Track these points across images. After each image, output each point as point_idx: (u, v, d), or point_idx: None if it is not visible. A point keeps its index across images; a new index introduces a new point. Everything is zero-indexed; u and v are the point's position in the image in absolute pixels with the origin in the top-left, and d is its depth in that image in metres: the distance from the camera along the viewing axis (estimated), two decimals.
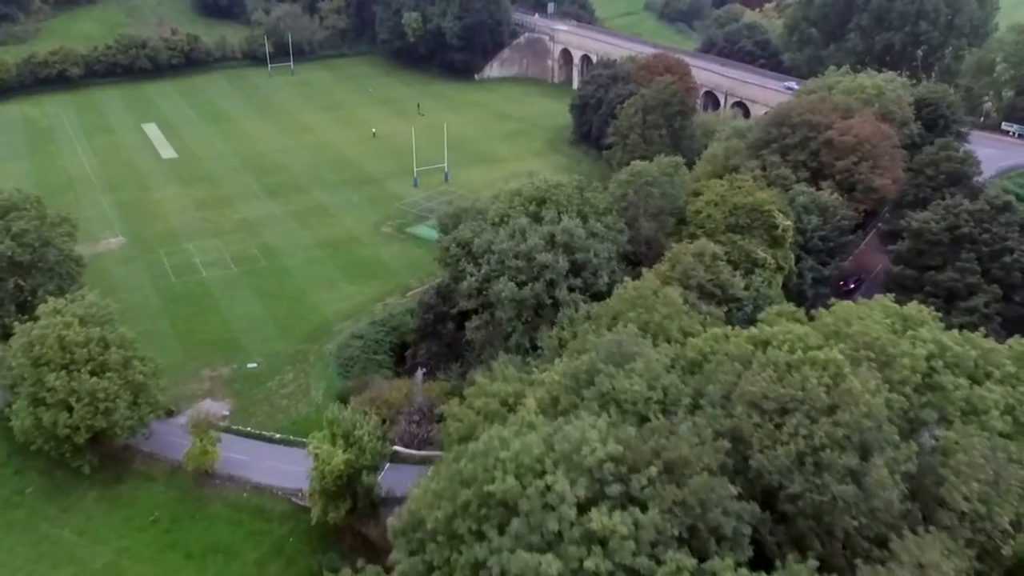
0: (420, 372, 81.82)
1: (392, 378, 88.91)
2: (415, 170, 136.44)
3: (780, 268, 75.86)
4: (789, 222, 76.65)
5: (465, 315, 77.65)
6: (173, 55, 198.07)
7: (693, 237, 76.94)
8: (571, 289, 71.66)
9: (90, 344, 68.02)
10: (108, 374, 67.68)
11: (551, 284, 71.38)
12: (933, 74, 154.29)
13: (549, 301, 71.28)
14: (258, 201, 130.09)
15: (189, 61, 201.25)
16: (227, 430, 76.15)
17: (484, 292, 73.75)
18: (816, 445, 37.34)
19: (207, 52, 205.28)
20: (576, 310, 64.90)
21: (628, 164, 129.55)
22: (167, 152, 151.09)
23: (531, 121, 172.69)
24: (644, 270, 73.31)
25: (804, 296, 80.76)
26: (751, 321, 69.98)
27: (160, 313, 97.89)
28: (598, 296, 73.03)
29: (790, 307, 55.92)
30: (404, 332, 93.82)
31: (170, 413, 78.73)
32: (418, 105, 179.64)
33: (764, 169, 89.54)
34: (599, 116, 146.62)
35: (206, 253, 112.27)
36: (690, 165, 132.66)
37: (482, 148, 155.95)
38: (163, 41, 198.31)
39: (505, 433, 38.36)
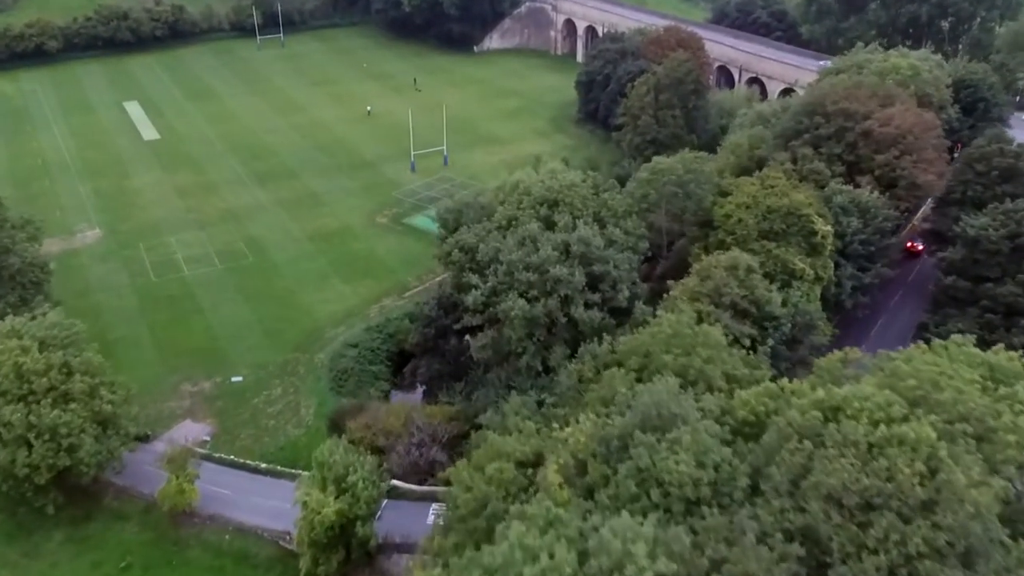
0: (420, 390, 74.72)
1: (390, 389, 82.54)
2: (412, 154, 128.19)
3: (819, 279, 68.44)
4: (829, 227, 69.08)
5: (469, 328, 70.25)
6: (157, 26, 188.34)
7: (722, 244, 69.40)
8: (588, 305, 64.24)
9: (51, 372, 60.65)
10: (72, 405, 60.40)
11: (566, 300, 63.97)
12: (961, 48, 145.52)
13: (564, 319, 63.89)
14: (245, 188, 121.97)
15: (173, 33, 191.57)
16: (207, 458, 69.28)
17: (491, 307, 66.30)
18: (911, 553, 30.33)
19: (192, 23, 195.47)
20: (600, 340, 57.43)
21: (639, 147, 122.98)
22: (149, 133, 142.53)
23: (534, 97, 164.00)
24: (671, 284, 66.03)
25: (842, 306, 73.52)
26: (790, 341, 63.05)
27: (138, 317, 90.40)
28: (617, 311, 65.77)
29: (856, 352, 48.39)
30: (402, 339, 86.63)
31: (145, 438, 71.73)
32: (414, 80, 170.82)
33: (795, 162, 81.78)
34: (607, 94, 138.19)
35: (189, 248, 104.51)
36: (705, 147, 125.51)
37: (483, 128, 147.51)
38: (146, 12, 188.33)
39: (529, 538, 31.23)
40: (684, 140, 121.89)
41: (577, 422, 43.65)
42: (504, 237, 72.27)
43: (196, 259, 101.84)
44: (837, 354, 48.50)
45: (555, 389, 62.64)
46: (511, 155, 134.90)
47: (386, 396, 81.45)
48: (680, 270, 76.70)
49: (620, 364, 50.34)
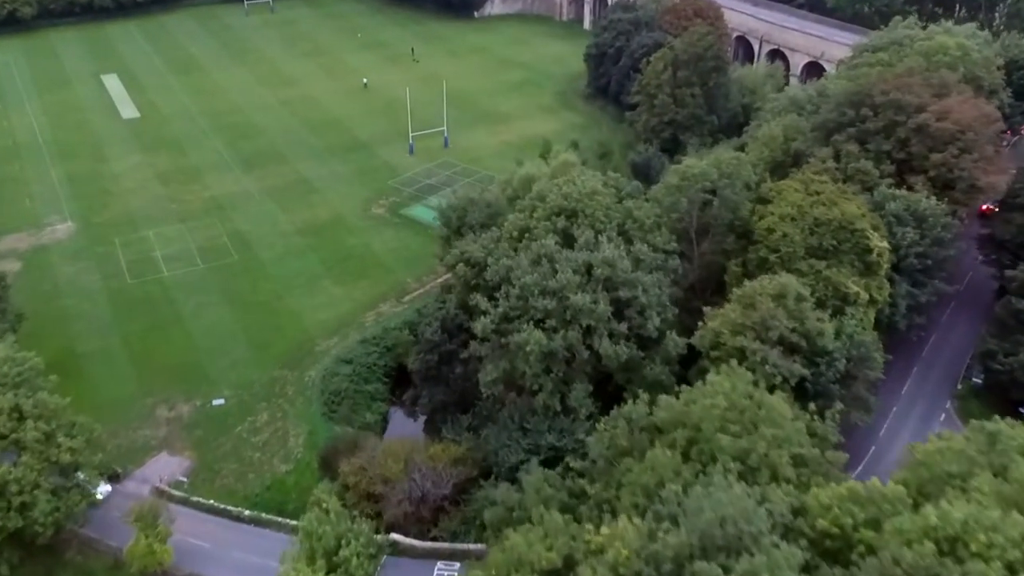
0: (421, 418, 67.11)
1: (388, 411, 74.94)
2: (411, 135, 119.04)
3: (873, 301, 60.36)
4: (885, 244, 60.81)
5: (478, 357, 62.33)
6: None
7: (764, 263, 61.17)
8: (613, 336, 56.20)
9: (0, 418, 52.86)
10: (23, 457, 52.69)
11: (588, 331, 55.95)
12: (998, 16, 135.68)
13: (586, 353, 55.93)
14: (230, 173, 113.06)
15: None
16: (185, 501, 61.79)
17: (502, 336, 58.31)
18: None
19: None
20: (635, 398, 49.38)
21: (655, 128, 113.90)
22: (128, 110, 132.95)
23: (539, 69, 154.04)
24: (708, 312, 57.96)
25: (895, 328, 65.55)
26: (842, 378, 55.22)
27: (111, 327, 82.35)
28: (645, 341, 57.79)
29: (958, 442, 40.22)
30: (401, 353, 78.76)
31: (116, 476, 64.31)
32: (412, 50, 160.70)
33: (838, 160, 73.30)
34: (619, 69, 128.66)
35: (169, 244, 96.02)
36: (725, 128, 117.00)
37: (485, 104, 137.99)
38: None
39: None
40: (703, 121, 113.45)
41: (613, 514, 36.00)
42: (516, 251, 64.11)
43: (176, 257, 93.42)
44: (936, 442, 40.60)
45: (577, 433, 55.15)
46: (516, 135, 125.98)
47: (384, 420, 74.00)
48: (712, 282, 68.88)
49: (660, 430, 42.56)
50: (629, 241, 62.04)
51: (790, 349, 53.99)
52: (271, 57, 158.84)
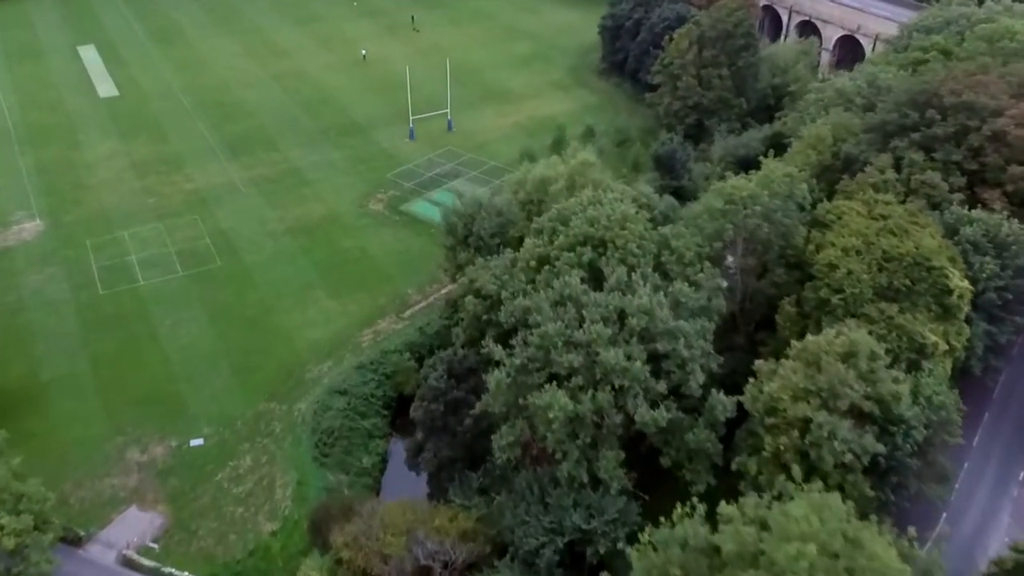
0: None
1: (387, 450, 66.95)
2: (411, 118, 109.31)
3: (951, 350, 51.80)
4: (966, 283, 52.03)
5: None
6: None
7: (825, 304, 52.41)
8: (649, 395, 47.78)
9: None
10: None
11: (621, 391, 47.52)
12: None
13: (618, 418, 47.58)
14: (214, 162, 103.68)
15: None
16: (155, 573, 54.06)
17: (520, 392, 49.94)
18: None
19: None
20: (688, 509, 40.92)
21: (679, 113, 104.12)
22: (106, 87, 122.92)
23: (549, 40, 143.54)
24: (760, 366, 49.46)
25: (970, 372, 57.08)
26: (920, 450, 46.96)
27: (79, 348, 73.94)
28: (687, 405, 49.47)
29: None
30: (401, 382, 70.73)
31: (77, 540, 56.44)
32: (412, 18, 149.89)
33: (898, 169, 64.21)
34: (637, 44, 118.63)
35: (146, 246, 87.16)
36: (755, 112, 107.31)
37: (491, 80, 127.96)
38: None
39: None
40: (731, 105, 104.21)
41: None
42: (534, 284, 55.46)
43: (153, 262, 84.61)
44: None
45: (608, 513, 47.13)
46: (526, 116, 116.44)
47: (383, 460, 66.05)
48: (756, 314, 60.32)
49: (722, 560, 34.35)
50: (666, 276, 53.28)
51: (860, 416, 45.63)
52: (261, 25, 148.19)
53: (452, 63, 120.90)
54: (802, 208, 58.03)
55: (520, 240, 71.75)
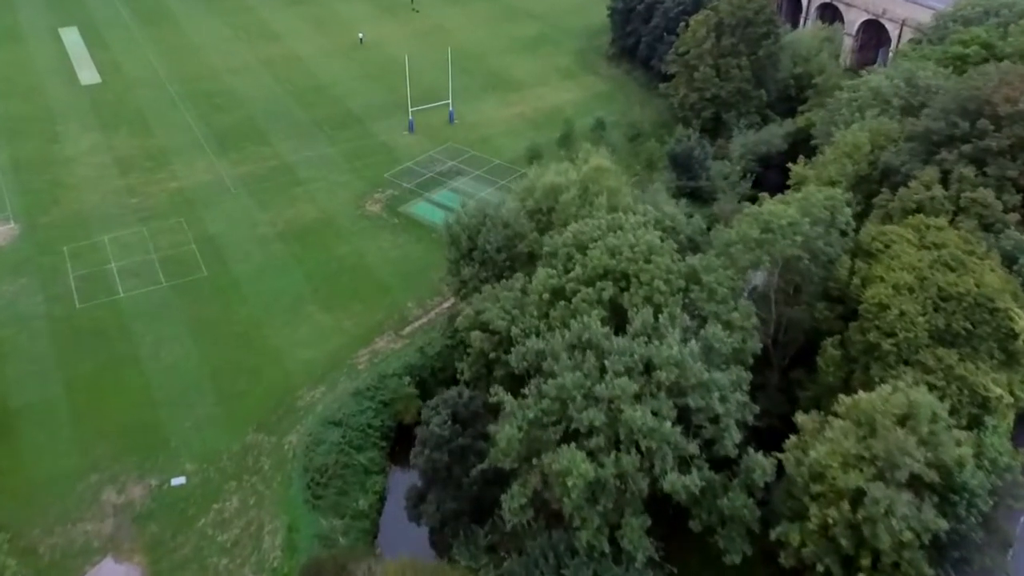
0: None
1: (384, 485, 61.79)
2: (410, 110, 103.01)
3: (1016, 401, 46.40)
4: None
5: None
6: None
7: (874, 348, 46.88)
8: (680, 457, 42.50)
9: None
10: None
11: (648, 452, 42.21)
12: None
13: (645, 482, 42.29)
14: (201, 157, 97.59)
15: None
16: None
17: (534, 450, 44.68)
18: None
19: None
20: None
21: (695, 106, 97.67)
22: (87, 73, 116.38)
23: (555, 21, 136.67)
24: (802, 421, 44.08)
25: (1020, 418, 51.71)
26: (985, 521, 41.72)
27: (53, 369, 68.49)
28: (719, 462, 44.22)
29: None
30: (400, 411, 65.47)
31: None
32: None
33: (945, 183, 58.43)
34: (650, 29, 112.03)
35: (127, 253, 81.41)
36: (775, 104, 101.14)
37: (495, 65, 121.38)
38: None
39: None
40: (750, 97, 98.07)
41: None
42: (547, 319, 49.94)
43: (135, 272, 78.92)
44: None
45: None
46: (531, 106, 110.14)
47: (380, 499, 60.86)
48: (792, 348, 54.88)
49: None
50: (695, 315, 47.70)
51: (923, 487, 40.36)
52: (252, 5, 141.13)
53: (453, 46, 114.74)
54: (844, 233, 52.29)
55: (530, 256, 66.38)
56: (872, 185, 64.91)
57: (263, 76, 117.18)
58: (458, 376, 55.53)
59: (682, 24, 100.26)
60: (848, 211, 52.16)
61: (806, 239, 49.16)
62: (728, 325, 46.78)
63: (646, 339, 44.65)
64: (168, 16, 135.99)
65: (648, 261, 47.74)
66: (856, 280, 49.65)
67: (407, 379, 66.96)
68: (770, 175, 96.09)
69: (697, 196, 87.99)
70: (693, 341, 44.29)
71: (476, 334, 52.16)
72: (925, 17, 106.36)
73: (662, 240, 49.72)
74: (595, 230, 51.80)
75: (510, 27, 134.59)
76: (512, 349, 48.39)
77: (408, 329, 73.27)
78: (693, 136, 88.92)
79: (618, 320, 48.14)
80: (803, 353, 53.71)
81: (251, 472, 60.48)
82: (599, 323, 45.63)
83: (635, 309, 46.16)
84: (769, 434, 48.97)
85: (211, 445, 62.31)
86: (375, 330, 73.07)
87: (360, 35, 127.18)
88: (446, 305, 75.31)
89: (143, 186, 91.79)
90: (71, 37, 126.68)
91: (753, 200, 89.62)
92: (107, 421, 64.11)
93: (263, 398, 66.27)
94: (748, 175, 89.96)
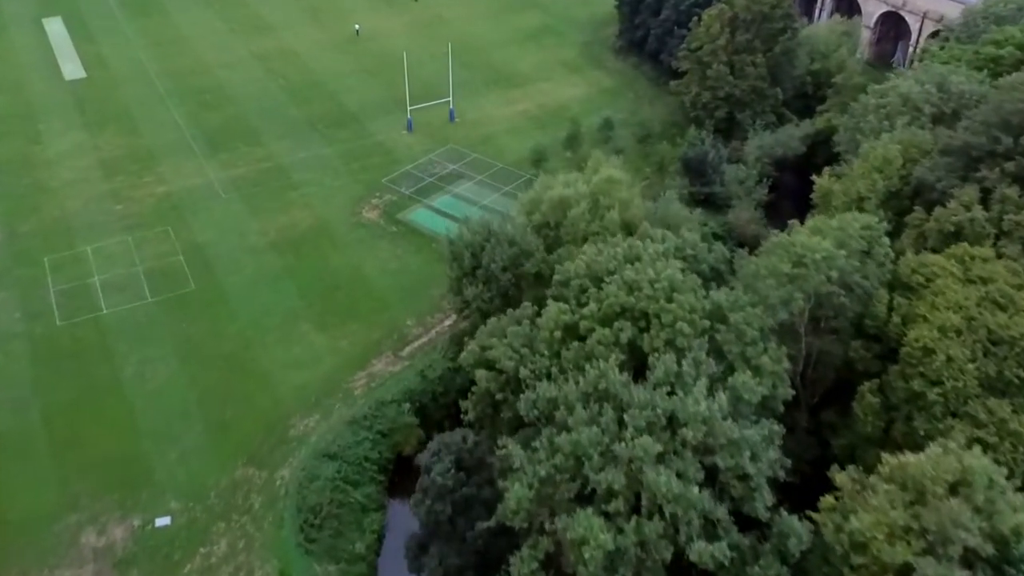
0: None
1: (383, 523, 57.95)
2: (409, 109, 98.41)
3: None
4: None
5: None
6: None
7: (916, 397, 42.81)
8: (707, 521, 38.62)
9: None
10: None
11: (672, 519, 38.28)
12: None
13: (669, 551, 38.38)
14: (191, 159, 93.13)
15: None
16: None
17: (547, 512, 40.79)
18: None
19: None
20: None
21: (708, 106, 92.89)
22: (72, 68, 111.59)
23: (560, 12, 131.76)
24: (842, 481, 40.13)
25: None
26: None
27: (31, 395, 64.47)
28: (748, 520, 40.34)
29: None
30: (400, 441, 61.67)
31: None
32: None
33: (986, 204, 54.22)
34: (659, 22, 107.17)
35: (111, 264, 77.22)
36: (791, 103, 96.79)
37: (497, 58, 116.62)
38: None
39: None
40: (766, 95, 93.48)
41: None
42: (559, 360, 45.89)
43: (119, 286, 74.77)
44: None
45: None
46: (535, 103, 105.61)
47: (379, 539, 57.05)
48: (821, 386, 50.89)
49: None
50: (721, 355, 43.63)
51: (976, 560, 36.49)
52: None
53: (453, 38, 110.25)
54: (881, 264, 48.11)
55: (537, 276, 62.41)
56: (903, 201, 60.70)
57: (256, 70, 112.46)
58: (462, 415, 51.42)
59: (694, 19, 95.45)
60: (886, 241, 47.98)
61: (842, 274, 44.98)
62: (757, 370, 42.71)
63: (669, 389, 40.59)
64: (157, 5, 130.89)
65: (670, 299, 43.58)
66: (896, 318, 45.53)
67: (407, 406, 63.18)
68: (786, 177, 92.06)
69: (711, 202, 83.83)
70: (721, 393, 40.21)
71: (481, 373, 48.08)
72: (948, 9, 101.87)
73: (684, 273, 45.45)
74: (611, 260, 47.63)
75: (512, 17, 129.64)
76: (521, 394, 44.28)
77: (408, 349, 69.25)
78: (707, 139, 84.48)
79: (637, 363, 44.10)
80: (835, 391, 49.79)
81: (240, 511, 56.60)
82: (617, 369, 41.53)
83: (656, 354, 42.05)
84: (802, 490, 45.06)
85: (198, 480, 58.40)
86: (372, 350, 69.05)
87: (356, 27, 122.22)
88: (447, 323, 71.36)
89: (128, 191, 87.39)
90: (55, 28, 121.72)
91: (769, 207, 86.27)
92: (88, 452, 60.18)
93: (254, 427, 62.30)
94: (764, 180, 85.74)
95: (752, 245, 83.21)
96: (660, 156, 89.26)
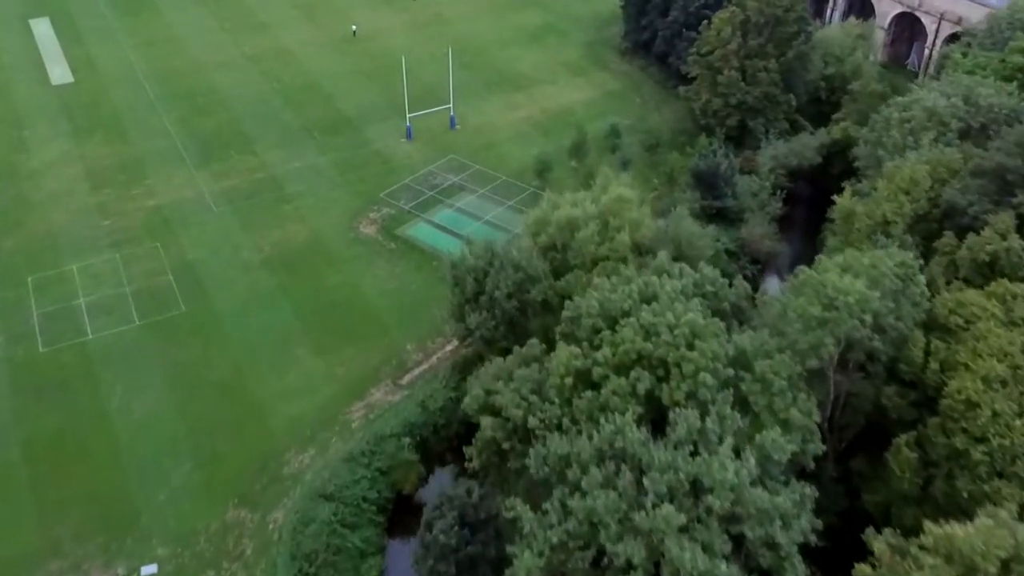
0: None
1: (382, 567, 54.86)
2: (408, 116, 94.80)
3: None
4: None
5: None
6: None
7: (957, 455, 39.63)
8: None
9: None
10: None
11: None
12: None
13: None
14: (181, 169, 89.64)
15: None
16: None
17: (556, 569, 37.67)
18: None
19: None
20: None
21: (718, 113, 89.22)
22: (59, 72, 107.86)
23: (562, 10, 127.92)
24: (879, 552, 36.98)
25: None
26: None
27: (11, 427, 61.33)
28: None
29: None
30: (400, 479, 58.50)
31: None
32: None
33: (1023, 232, 50.90)
34: (667, 24, 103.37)
35: (97, 285, 73.90)
36: (804, 109, 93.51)
37: (498, 59, 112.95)
38: None
39: None
40: (778, 102, 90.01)
41: None
42: (571, 408, 42.68)
43: (105, 308, 71.49)
44: None
45: None
46: (538, 107, 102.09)
47: None
48: (851, 432, 47.71)
49: None
50: (746, 410, 40.39)
51: None
52: None
53: (453, 38, 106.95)
54: (915, 302, 44.81)
55: (544, 304, 59.20)
56: (931, 224, 57.44)
57: (249, 72, 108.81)
58: (466, 463, 48.24)
59: (704, 21, 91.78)
60: (922, 280, 44.65)
61: (875, 315, 41.70)
62: (786, 424, 39.50)
63: (691, 448, 37.38)
64: (149, 5, 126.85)
65: (691, 347, 40.33)
66: (934, 364, 42.27)
67: (407, 440, 59.93)
68: (800, 188, 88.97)
69: (723, 216, 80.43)
70: (748, 452, 37.01)
71: (487, 421, 44.90)
72: (966, 11, 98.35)
73: (705, 316, 42.13)
74: (625, 299, 44.29)
75: (513, 15, 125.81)
76: (531, 447, 41.09)
77: (407, 377, 66.04)
78: (718, 151, 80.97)
79: (655, 414, 40.87)
80: (864, 437, 46.60)
81: (231, 557, 53.46)
82: (634, 425, 38.31)
83: (677, 408, 38.80)
84: (826, 533, 41.85)
85: (187, 522, 55.25)
86: (370, 377, 65.85)
87: (353, 27, 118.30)
88: (448, 348, 68.16)
89: (116, 204, 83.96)
90: (42, 29, 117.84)
91: (783, 219, 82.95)
92: (71, 491, 57.05)
93: (245, 463, 59.12)
94: (778, 192, 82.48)
95: (766, 261, 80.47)
96: (670, 166, 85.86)
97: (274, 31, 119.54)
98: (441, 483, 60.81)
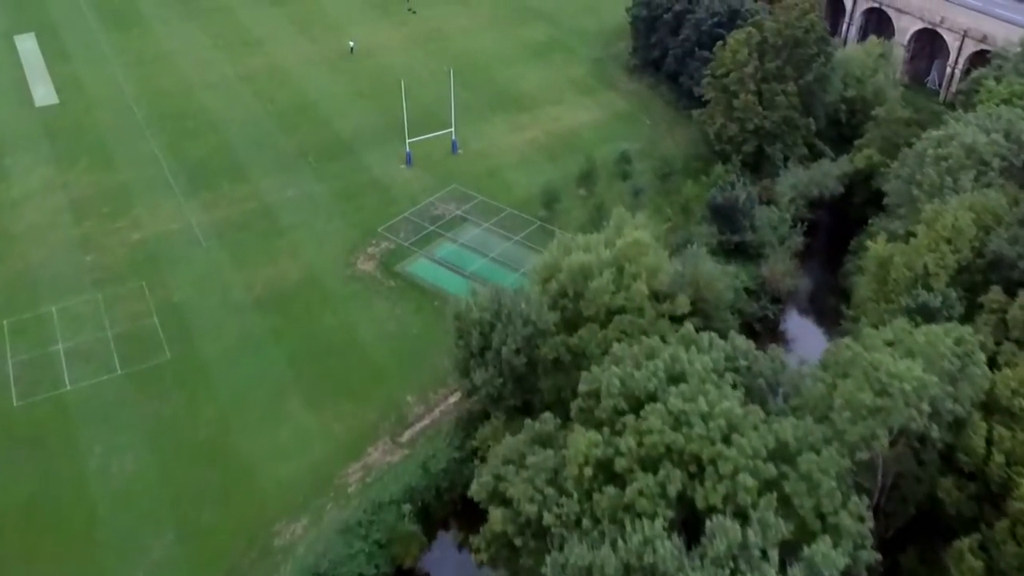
0: None
1: None
2: (407, 142, 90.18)
3: None
4: None
5: None
6: None
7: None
8: None
9: None
10: None
11: None
12: None
13: None
14: (169, 198, 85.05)
15: None
16: None
17: None
18: None
19: None
20: None
21: (734, 140, 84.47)
22: (44, 92, 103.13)
23: (568, 24, 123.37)
24: None
25: None
26: None
27: None
28: None
29: None
30: (400, 552, 53.97)
31: None
32: None
33: None
34: (679, 42, 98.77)
35: (77, 329, 69.34)
36: (824, 133, 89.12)
37: (502, 77, 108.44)
38: None
39: None
40: (798, 125, 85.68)
41: None
42: (590, 503, 38.14)
43: (85, 355, 66.93)
44: None
45: None
46: (544, 130, 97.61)
47: None
48: (900, 519, 43.16)
49: None
50: (788, 511, 35.84)
51: None
52: (231, 5, 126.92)
53: (454, 54, 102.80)
54: (975, 383, 40.25)
55: (556, 363, 54.79)
56: (975, 276, 53.03)
57: (241, 91, 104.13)
58: (473, 552, 43.76)
59: (719, 42, 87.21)
60: (982, 359, 40.12)
61: (932, 403, 37.17)
62: (835, 530, 34.96)
63: (732, 565, 32.86)
64: (139, 20, 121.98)
65: (727, 440, 35.79)
66: (998, 456, 37.76)
67: (407, 507, 55.39)
68: (821, 216, 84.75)
69: (741, 251, 76.03)
70: (795, 569, 32.49)
71: (496, 514, 40.38)
72: (992, 28, 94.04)
73: (742, 404, 37.59)
74: (650, 378, 39.73)
75: (517, 30, 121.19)
76: (548, 550, 36.57)
77: (408, 434, 61.56)
78: (737, 184, 76.44)
79: (687, 515, 36.34)
80: (914, 526, 42.06)
81: None
82: (665, 535, 33.77)
83: (714, 516, 34.27)
84: None
85: None
86: (368, 434, 61.36)
87: (351, 43, 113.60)
88: (452, 400, 63.75)
89: (100, 237, 79.36)
90: (27, 47, 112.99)
91: (805, 254, 78.55)
92: (41, 569, 52.46)
93: (232, 535, 54.57)
94: (799, 224, 78.08)
95: (786, 300, 76.07)
96: (684, 196, 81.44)
97: (268, 48, 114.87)
98: (444, 553, 56.67)
